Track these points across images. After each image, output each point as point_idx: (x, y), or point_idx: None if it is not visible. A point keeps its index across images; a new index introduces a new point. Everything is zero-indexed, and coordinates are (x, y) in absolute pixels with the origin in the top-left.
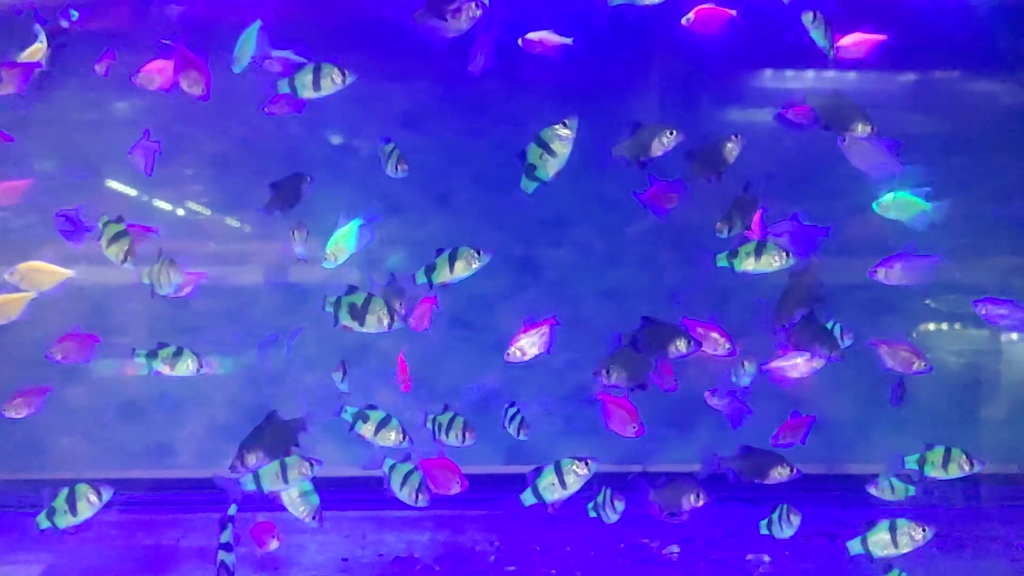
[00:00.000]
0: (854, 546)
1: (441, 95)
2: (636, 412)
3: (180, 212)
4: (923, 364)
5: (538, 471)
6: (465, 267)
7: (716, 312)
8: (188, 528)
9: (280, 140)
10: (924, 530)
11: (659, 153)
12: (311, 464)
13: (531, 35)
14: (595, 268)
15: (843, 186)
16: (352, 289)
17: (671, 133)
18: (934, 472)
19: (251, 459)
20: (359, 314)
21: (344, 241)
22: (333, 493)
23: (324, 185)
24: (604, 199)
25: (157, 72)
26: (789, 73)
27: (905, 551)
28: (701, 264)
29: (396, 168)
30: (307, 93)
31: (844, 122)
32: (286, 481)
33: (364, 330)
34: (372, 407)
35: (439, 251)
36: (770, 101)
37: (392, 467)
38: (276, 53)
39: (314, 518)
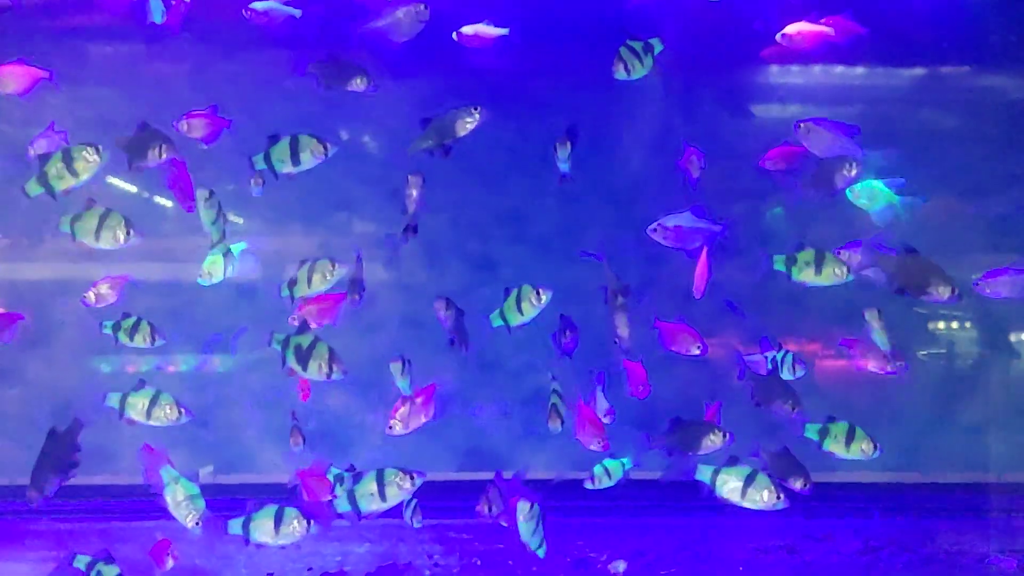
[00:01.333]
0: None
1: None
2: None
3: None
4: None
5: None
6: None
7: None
8: (119, 539)
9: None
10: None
11: (462, 134)
12: (412, 477)
13: (466, 28)
14: (554, 265)
15: None
16: (303, 328)
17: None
18: (833, 447)
19: (46, 487)
20: (303, 357)
21: (223, 265)
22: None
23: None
24: (563, 194)
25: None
26: (794, 68)
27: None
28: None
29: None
30: (286, 168)
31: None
32: (384, 499)
33: (307, 376)
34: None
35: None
36: (773, 97)
37: None
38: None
39: (197, 524)
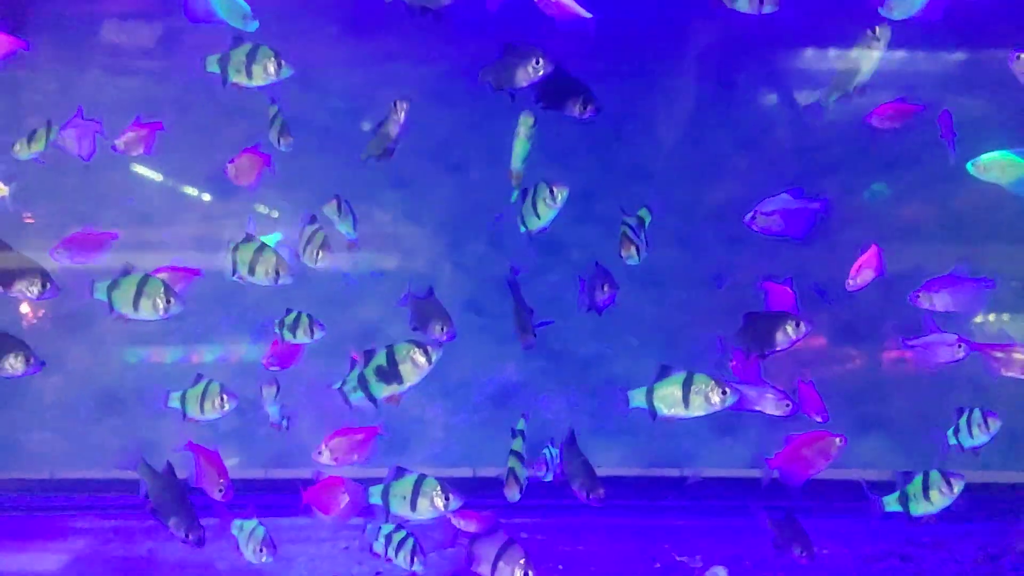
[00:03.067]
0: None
1: (454, 60)
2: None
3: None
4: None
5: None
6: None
7: None
8: (162, 536)
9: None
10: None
11: (524, 84)
12: (448, 498)
13: None
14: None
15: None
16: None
17: (538, 61)
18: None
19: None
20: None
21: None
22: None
23: (320, 155)
24: (634, 170)
25: None
26: (832, 52)
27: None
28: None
29: (279, 140)
30: (238, 78)
31: None
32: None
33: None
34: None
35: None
36: (812, 80)
37: None
38: None
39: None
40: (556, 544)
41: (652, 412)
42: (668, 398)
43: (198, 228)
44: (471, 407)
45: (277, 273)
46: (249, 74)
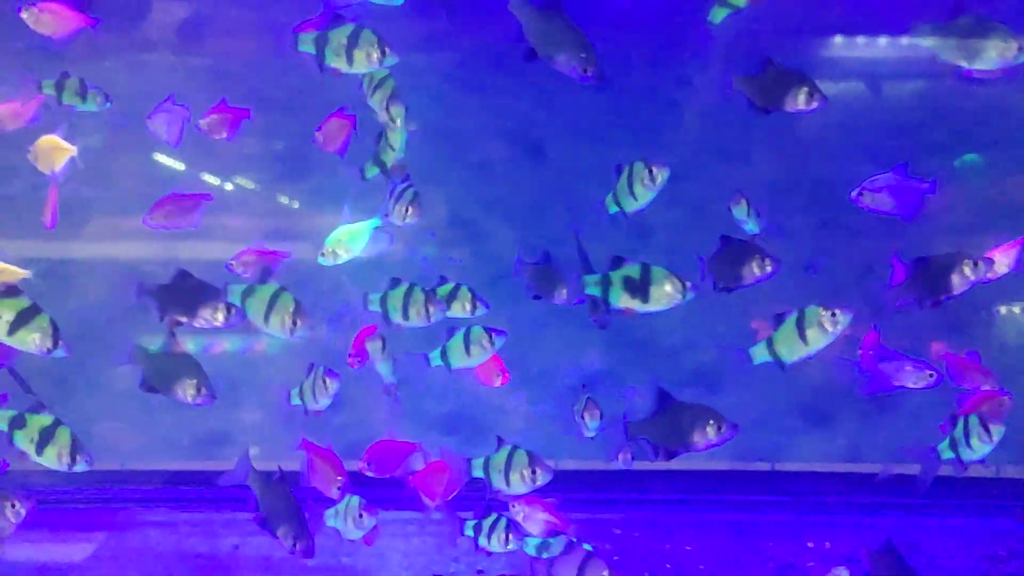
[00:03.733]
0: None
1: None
2: None
3: (228, 186)
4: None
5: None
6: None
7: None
8: (246, 531)
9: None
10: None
11: (791, 109)
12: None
13: None
14: (714, 231)
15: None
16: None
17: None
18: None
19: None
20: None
21: (350, 241)
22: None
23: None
24: (724, 151)
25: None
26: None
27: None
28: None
29: (388, 108)
30: (337, 62)
31: None
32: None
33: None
34: None
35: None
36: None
37: None
38: None
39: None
40: (652, 542)
41: (780, 363)
42: (789, 342)
43: (268, 212)
44: (553, 397)
45: (294, 323)
46: (350, 60)
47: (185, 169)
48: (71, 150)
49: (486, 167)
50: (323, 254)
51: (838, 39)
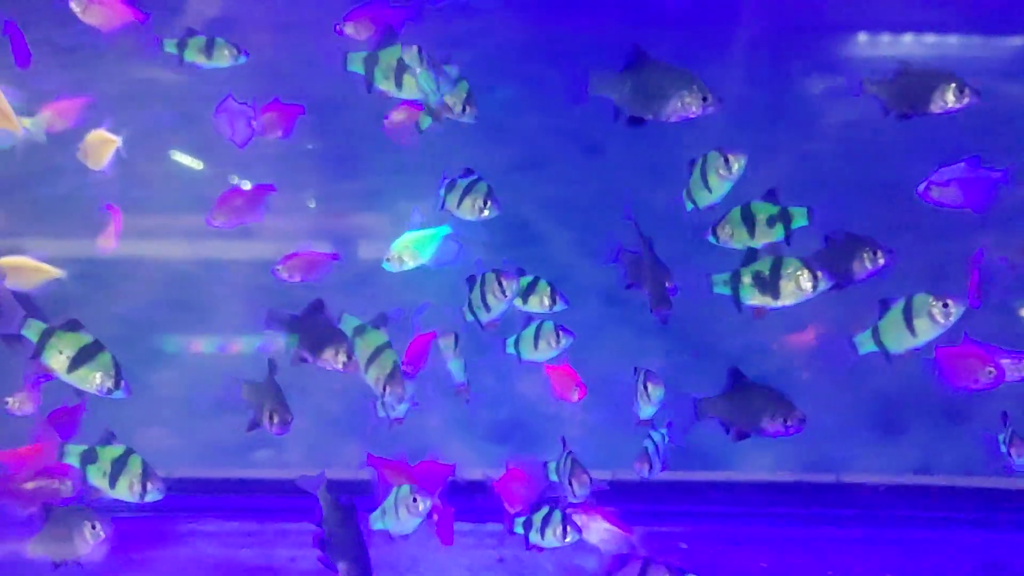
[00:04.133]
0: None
1: (586, 27)
2: None
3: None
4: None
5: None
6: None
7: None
8: (300, 541)
9: None
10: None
11: (938, 110)
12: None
13: None
14: None
15: None
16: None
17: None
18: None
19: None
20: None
21: (418, 248)
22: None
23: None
24: (789, 146)
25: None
26: (885, 38)
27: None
28: None
29: (465, 108)
30: (385, 85)
31: None
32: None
33: None
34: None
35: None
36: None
37: None
38: None
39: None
40: (719, 556)
41: (887, 353)
42: (896, 331)
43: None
44: (610, 404)
45: (385, 388)
46: (398, 84)
47: (229, 169)
48: (116, 141)
49: (542, 166)
50: (388, 259)
51: (885, 37)
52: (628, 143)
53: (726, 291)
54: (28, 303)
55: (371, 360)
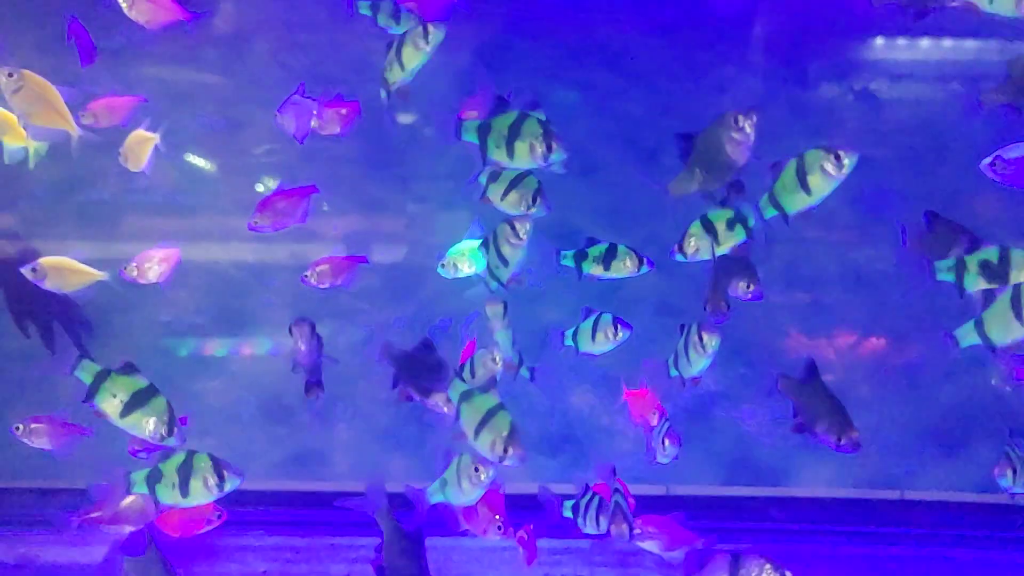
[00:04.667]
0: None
1: (647, 31)
2: None
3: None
4: None
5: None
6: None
7: None
8: (351, 557)
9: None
10: None
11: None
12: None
13: None
14: (839, 244)
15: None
16: None
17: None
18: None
19: None
20: None
21: (475, 256)
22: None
23: None
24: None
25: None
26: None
27: None
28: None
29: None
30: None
31: None
32: None
33: None
34: None
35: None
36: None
37: None
38: None
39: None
40: None
41: (992, 347)
42: (1002, 321)
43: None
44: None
45: (506, 450)
46: (511, 153)
47: (274, 174)
48: (154, 138)
49: (593, 172)
50: (443, 265)
51: (901, 41)
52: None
53: (950, 278)
54: (76, 318)
55: (482, 424)
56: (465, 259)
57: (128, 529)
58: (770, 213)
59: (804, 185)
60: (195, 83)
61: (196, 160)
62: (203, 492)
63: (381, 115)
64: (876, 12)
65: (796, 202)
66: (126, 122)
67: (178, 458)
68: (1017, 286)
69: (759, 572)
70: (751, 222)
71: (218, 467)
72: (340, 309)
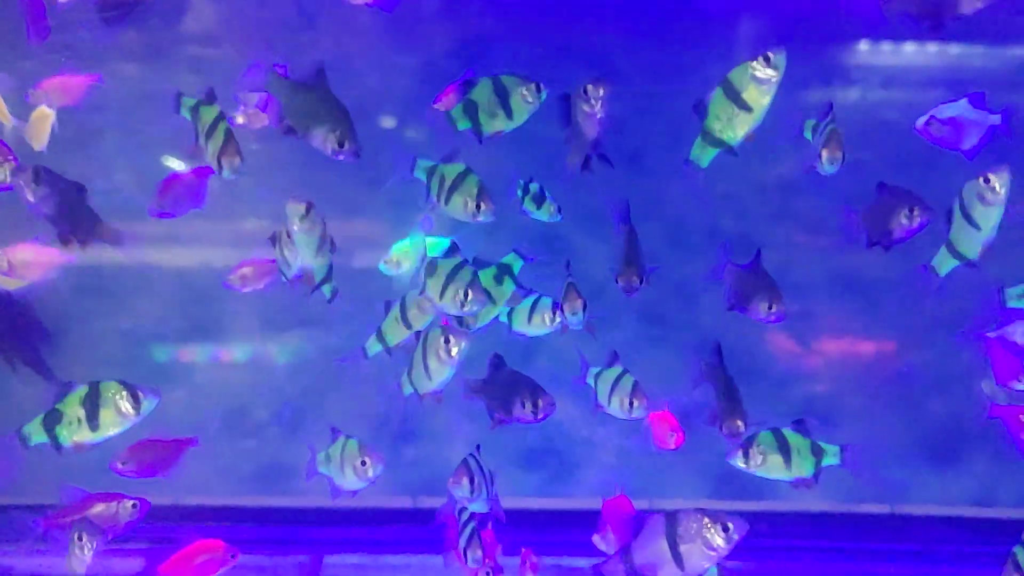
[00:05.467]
0: None
1: (629, 30)
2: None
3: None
4: None
5: None
6: None
7: None
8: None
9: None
10: None
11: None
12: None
13: None
14: (830, 251)
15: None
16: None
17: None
18: None
19: None
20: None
21: (417, 256)
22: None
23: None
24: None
25: None
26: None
27: None
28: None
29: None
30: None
31: None
32: None
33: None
34: None
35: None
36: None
37: None
38: None
39: None
40: None
41: (970, 263)
42: (963, 233)
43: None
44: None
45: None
46: (447, 202)
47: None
48: (50, 115)
49: (576, 177)
50: (386, 262)
51: (886, 46)
52: (669, 152)
53: (1021, 305)
54: (34, 328)
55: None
56: (408, 256)
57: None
58: (709, 154)
59: (972, 223)
60: (161, 83)
61: (169, 162)
62: (116, 421)
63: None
64: (863, 14)
65: (740, 123)
66: (80, 103)
67: (80, 391)
68: (959, 198)
69: (697, 527)
70: None
71: (131, 390)
72: (311, 316)
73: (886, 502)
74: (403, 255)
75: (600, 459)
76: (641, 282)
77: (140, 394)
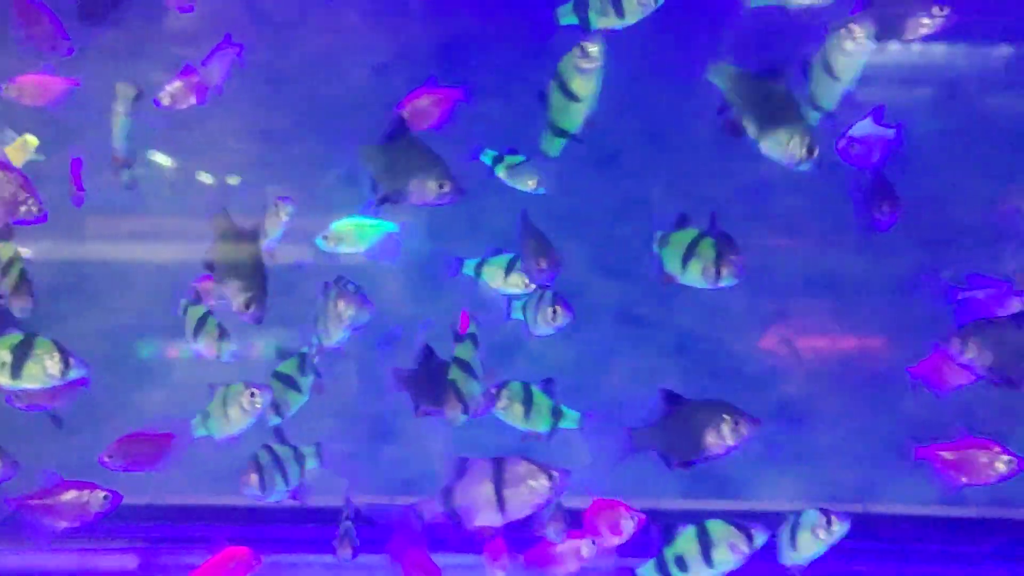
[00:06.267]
0: None
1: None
2: None
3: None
4: None
5: None
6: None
7: None
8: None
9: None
10: None
11: None
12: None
13: None
14: (807, 252)
15: None
16: None
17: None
18: None
19: None
20: None
21: (357, 236)
22: None
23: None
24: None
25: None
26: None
27: None
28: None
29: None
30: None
31: None
32: None
33: None
34: None
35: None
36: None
37: None
38: None
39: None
40: None
41: (824, 111)
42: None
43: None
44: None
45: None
46: (620, 12)
47: (221, 172)
48: (31, 148)
49: (554, 177)
50: (324, 237)
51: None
52: (644, 152)
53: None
54: (11, 323)
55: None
56: (347, 235)
57: (63, 524)
58: (557, 145)
59: (570, 95)
60: (146, 80)
61: (156, 158)
62: (40, 377)
63: (338, 112)
64: (848, 13)
65: (574, 113)
66: (55, 105)
67: (14, 337)
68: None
69: (523, 473)
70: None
71: (63, 353)
72: (284, 315)
73: (859, 501)
74: (342, 233)
75: (576, 457)
76: (551, 264)
77: (71, 360)
